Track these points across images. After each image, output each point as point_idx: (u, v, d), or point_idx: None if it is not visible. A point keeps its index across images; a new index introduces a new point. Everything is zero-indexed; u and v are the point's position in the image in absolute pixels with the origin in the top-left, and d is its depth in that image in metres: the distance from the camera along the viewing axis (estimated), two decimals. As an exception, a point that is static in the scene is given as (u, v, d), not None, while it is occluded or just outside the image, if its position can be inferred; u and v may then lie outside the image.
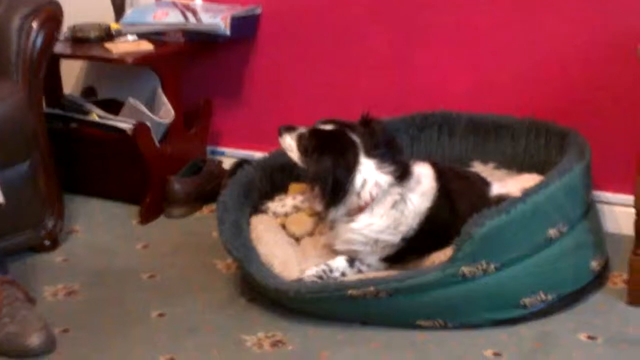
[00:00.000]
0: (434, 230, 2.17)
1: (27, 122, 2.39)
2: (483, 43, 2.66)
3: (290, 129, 2.25)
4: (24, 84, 2.41)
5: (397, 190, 2.15)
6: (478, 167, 2.57)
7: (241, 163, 2.62)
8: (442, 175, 2.24)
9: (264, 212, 2.43)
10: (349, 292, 2.03)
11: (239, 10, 2.84)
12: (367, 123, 2.21)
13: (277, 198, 2.46)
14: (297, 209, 2.42)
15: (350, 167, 2.12)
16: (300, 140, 2.22)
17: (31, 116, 2.41)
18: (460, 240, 2.02)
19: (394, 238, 2.16)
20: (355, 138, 2.16)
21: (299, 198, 2.43)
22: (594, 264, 2.21)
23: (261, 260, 2.19)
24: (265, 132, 3.00)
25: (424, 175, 2.22)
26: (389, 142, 2.21)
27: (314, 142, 2.17)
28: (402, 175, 2.16)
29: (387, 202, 2.15)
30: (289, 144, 2.25)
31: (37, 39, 2.42)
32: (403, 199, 2.16)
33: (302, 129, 2.24)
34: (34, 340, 2.02)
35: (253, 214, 2.41)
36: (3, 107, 2.31)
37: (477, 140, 2.63)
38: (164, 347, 2.06)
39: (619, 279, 2.27)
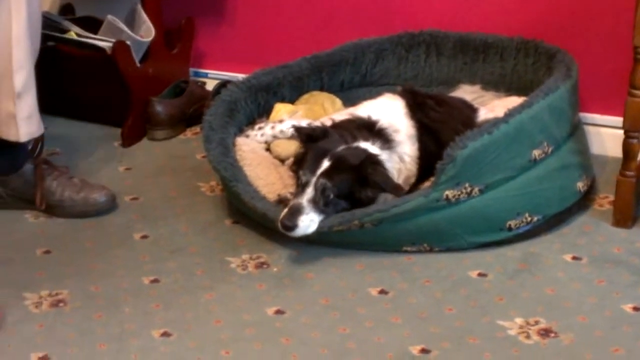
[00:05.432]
0: (429, 168, 2.11)
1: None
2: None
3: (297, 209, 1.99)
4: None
5: (390, 155, 2.11)
6: (466, 89, 2.53)
7: (225, 84, 2.56)
8: (418, 107, 2.20)
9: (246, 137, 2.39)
10: (335, 229, 2.00)
11: None
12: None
13: (257, 126, 2.40)
14: (276, 138, 2.36)
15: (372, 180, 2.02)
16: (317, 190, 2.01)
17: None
18: (443, 164, 1.98)
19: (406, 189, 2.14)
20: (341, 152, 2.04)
21: (278, 126, 2.36)
22: (580, 185, 2.20)
23: (247, 181, 2.16)
24: (249, 54, 2.94)
25: (395, 116, 2.16)
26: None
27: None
28: (380, 137, 2.11)
29: (394, 172, 2.10)
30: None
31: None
32: (399, 156, 2.12)
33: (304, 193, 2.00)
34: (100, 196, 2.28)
35: (237, 134, 2.37)
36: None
37: (466, 60, 2.58)
38: (147, 268, 2.04)
39: (604, 200, 2.26)
